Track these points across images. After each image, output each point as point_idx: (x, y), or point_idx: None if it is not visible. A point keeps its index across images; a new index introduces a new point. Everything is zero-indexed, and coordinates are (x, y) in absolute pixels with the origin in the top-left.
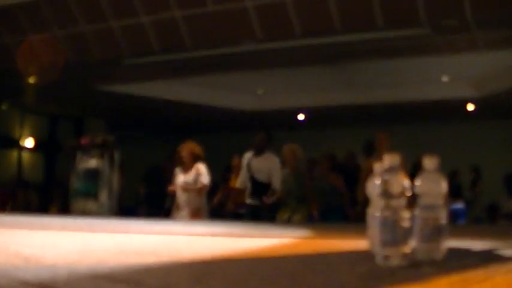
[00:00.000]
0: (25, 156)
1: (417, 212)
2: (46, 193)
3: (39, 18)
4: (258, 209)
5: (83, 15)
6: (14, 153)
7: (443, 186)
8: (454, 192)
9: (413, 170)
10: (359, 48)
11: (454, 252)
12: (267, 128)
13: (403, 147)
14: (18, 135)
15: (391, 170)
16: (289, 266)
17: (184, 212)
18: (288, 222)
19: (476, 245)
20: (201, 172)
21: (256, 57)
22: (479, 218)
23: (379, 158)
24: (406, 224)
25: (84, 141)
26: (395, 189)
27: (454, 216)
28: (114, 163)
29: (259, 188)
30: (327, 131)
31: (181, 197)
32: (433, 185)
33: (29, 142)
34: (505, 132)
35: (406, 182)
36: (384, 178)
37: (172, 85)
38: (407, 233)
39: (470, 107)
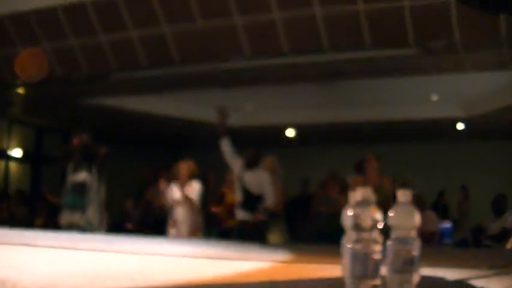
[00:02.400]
0: (12, 166)
1: (389, 244)
2: (31, 205)
3: (28, 31)
4: (248, 227)
5: (72, 29)
6: (1, 164)
7: (416, 219)
8: (442, 212)
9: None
10: (347, 67)
11: (426, 283)
12: (255, 145)
13: (391, 166)
14: (5, 145)
15: (363, 203)
16: None
17: (180, 228)
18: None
19: (451, 273)
20: (196, 190)
21: (245, 74)
22: (464, 240)
23: (367, 179)
24: (376, 256)
25: (76, 141)
26: (366, 222)
27: (441, 235)
28: (102, 177)
29: (251, 200)
30: (315, 148)
31: (177, 213)
32: (405, 218)
33: (16, 152)
34: (493, 152)
35: (378, 216)
36: (355, 211)
37: (160, 100)
38: (378, 266)
39: (460, 126)
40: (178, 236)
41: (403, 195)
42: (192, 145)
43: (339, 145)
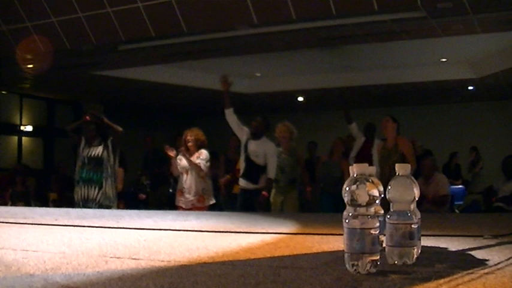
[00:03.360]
0: (24, 141)
1: (388, 217)
2: (45, 180)
3: (35, 6)
4: (251, 194)
5: (79, 2)
6: (14, 139)
7: (415, 192)
8: (454, 173)
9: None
10: (355, 31)
11: (427, 255)
12: (264, 112)
13: (403, 129)
14: (17, 120)
15: (360, 178)
16: (259, 273)
17: (190, 195)
18: (281, 208)
19: (454, 242)
20: (204, 158)
21: (253, 41)
22: (475, 202)
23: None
24: (374, 232)
25: (88, 117)
26: (362, 198)
27: (453, 197)
28: (116, 152)
29: (254, 169)
30: (325, 113)
31: (186, 181)
32: (403, 191)
33: (28, 127)
34: (503, 112)
35: (375, 191)
36: (351, 188)
37: (169, 69)
38: (376, 241)
39: (469, 87)
40: (187, 204)
41: (401, 169)
42: (203, 113)
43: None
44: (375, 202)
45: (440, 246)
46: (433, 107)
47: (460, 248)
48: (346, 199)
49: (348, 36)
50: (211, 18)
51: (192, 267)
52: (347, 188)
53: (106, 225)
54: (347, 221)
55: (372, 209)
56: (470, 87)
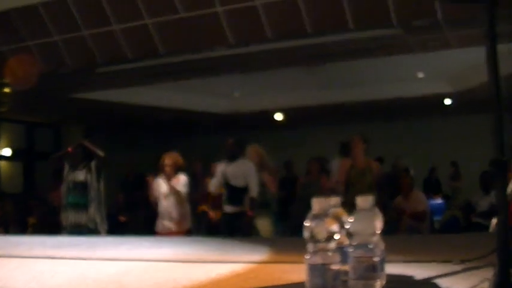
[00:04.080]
0: (3, 165)
1: (350, 250)
2: (24, 204)
3: (12, 29)
4: (235, 218)
5: (55, 25)
6: None
7: (377, 224)
8: (434, 188)
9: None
10: (332, 49)
11: (392, 286)
12: (243, 131)
13: (381, 145)
14: None
15: (319, 215)
16: None
17: (167, 220)
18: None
19: (422, 270)
20: (183, 182)
21: (230, 61)
22: (454, 218)
23: (354, 161)
24: (335, 267)
25: (71, 149)
26: (321, 235)
27: (432, 212)
28: (101, 175)
29: (235, 193)
30: (304, 131)
31: (165, 206)
32: (366, 224)
33: (6, 151)
34: (482, 126)
35: (335, 227)
36: (310, 224)
37: (149, 90)
38: (337, 276)
39: (447, 102)
40: (166, 229)
41: (363, 202)
42: (182, 134)
43: (328, 126)
44: (334, 238)
45: (408, 274)
46: (412, 122)
47: (426, 276)
48: (305, 235)
49: (325, 54)
50: (187, 40)
51: None
52: (306, 225)
53: (79, 256)
54: (308, 257)
55: (332, 245)
56: (448, 102)
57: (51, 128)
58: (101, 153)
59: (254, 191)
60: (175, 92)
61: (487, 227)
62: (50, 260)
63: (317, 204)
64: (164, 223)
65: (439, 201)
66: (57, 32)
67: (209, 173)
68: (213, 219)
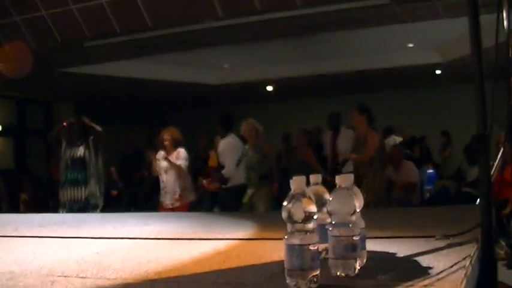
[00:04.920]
0: None
1: (329, 229)
2: (16, 180)
3: None
4: (230, 192)
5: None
6: None
7: (355, 204)
8: (425, 157)
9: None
10: (320, 20)
11: (373, 263)
12: (234, 103)
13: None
14: None
15: (296, 195)
16: None
17: (170, 194)
18: (251, 206)
19: (405, 247)
20: (182, 156)
21: (219, 33)
22: (445, 187)
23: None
24: (313, 247)
25: (66, 123)
26: (298, 215)
27: (423, 182)
28: (98, 150)
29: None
30: (294, 102)
31: (166, 180)
32: (344, 204)
33: None
34: (472, 95)
35: (312, 207)
36: (287, 205)
37: (138, 63)
38: (315, 256)
39: (437, 71)
40: (167, 203)
41: (342, 180)
42: (175, 107)
43: (319, 98)
44: (312, 218)
45: (390, 251)
46: (402, 92)
47: (409, 253)
48: (283, 216)
49: (314, 25)
50: (175, 13)
51: (137, 286)
52: (284, 205)
53: (64, 235)
54: (285, 237)
55: (310, 225)
56: (438, 71)
57: (43, 105)
58: (98, 128)
59: (226, 168)
60: (165, 64)
61: (476, 197)
62: (35, 240)
63: (295, 183)
64: (166, 197)
65: (430, 170)
66: (44, 6)
67: (200, 143)
68: (208, 190)
